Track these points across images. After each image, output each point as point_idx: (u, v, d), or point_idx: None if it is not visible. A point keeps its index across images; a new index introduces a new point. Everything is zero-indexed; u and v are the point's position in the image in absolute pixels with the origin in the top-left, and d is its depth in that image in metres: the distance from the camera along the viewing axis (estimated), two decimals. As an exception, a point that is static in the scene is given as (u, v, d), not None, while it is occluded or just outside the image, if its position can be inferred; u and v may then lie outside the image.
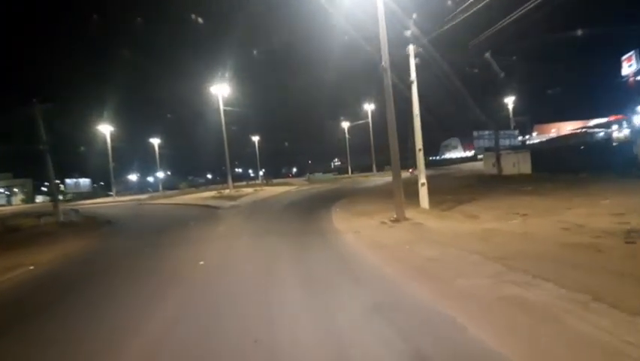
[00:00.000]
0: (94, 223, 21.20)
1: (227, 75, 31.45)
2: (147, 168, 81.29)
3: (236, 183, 55.68)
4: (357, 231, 10.64)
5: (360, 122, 50.32)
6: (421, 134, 13.64)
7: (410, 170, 57.62)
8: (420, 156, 13.78)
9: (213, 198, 27.93)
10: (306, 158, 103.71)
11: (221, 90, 32.33)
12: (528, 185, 19.42)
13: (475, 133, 35.03)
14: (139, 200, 43.81)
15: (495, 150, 28.98)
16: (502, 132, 35.48)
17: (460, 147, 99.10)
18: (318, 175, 50.77)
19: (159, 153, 71.25)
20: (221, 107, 32.45)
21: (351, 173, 60.09)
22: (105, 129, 50.88)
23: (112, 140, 53.90)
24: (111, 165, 51.78)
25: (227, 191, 32.74)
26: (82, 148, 64.71)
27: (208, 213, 19.99)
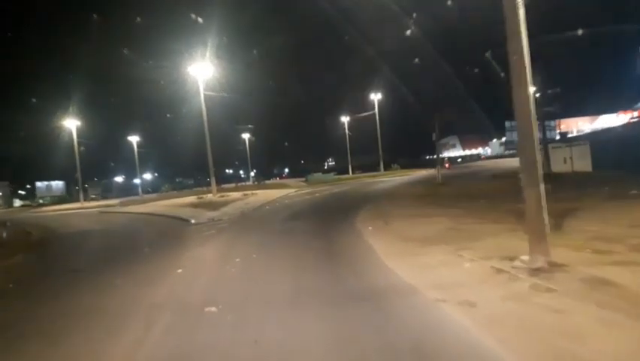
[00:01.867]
0: (21, 244, 15.16)
1: (208, 54, 25.31)
2: (134, 170, 76.12)
3: (224, 186, 49.41)
4: (464, 298, 4.74)
5: (365, 114, 44.45)
6: (533, 109, 7.77)
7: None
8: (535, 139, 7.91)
9: (191, 205, 21.83)
10: (298, 158, 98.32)
11: (201, 71, 26.21)
12: (622, 187, 13.75)
13: (507, 124, 29.47)
14: (108, 206, 37.57)
15: (542, 143, 23.32)
16: (538, 122, 30.02)
17: (458, 146, 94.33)
18: (318, 175, 44.78)
19: (146, 153, 65.59)
20: (202, 92, 26.34)
21: (352, 173, 54.37)
22: (71, 124, 44.45)
23: (96, 139, 48.07)
24: (78, 165, 45.35)
25: (209, 196, 26.61)
26: (82, 148, 59.50)
27: (175, 231, 13.93)
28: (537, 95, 42.31)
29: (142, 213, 22.47)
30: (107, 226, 19.33)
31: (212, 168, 26.57)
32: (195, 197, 27.10)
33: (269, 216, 15.80)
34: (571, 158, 22.96)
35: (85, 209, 38.61)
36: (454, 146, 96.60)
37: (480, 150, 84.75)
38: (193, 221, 15.65)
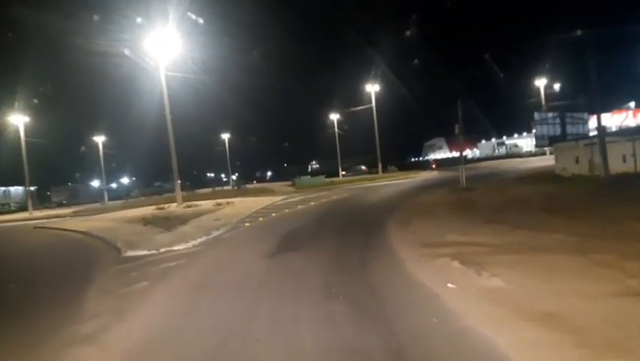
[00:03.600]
0: None
1: (171, 20, 19.42)
2: (112, 173, 69.99)
3: (199, 191, 43.39)
4: None
5: (360, 107, 39.11)
6: None
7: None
8: None
9: (142, 220, 15.96)
10: (282, 160, 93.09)
11: (162, 45, 20.37)
12: None
13: (536, 116, 24.69)
14: (57, 216, 31.35)
15: (599, 137, 18.48)
16: (569, 115, 25.41)
17: (445, 148, 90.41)
18: (307, 179, 39.12)
19: (123, 155, 60.04)
20: (163, 73, 20.53)
21: (342, 175, 49.07)
22: (18, 120, 37.75)
23: (68, 140, 41.83)
24: (26, 169, 38.60)
25: (172, 206, 20.80)
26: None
27: (85, 275, 8.10)
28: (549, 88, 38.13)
29: (76, 232, 16.45)
30: (8, 254, 13.34)
31: (177, 171, 20.71)
32: (154, 207, 21.19)
33: (247, 246, 10.17)
34: (633, 155, 18.16)
35: (30, 220, 32.03)
36: (440, 147, 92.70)
37: (468, 152, 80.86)
38: (127, 253, 9.92)
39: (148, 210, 20.65)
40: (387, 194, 20.70)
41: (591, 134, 24.76)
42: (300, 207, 17.81)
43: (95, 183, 74.38)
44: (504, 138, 73.08)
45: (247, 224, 13.50)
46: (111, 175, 71.48)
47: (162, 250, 9.73)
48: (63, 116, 56.71)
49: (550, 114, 24.49)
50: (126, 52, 20.35)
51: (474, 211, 12.36)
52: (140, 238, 11.70)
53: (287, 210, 16.64)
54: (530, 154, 51.95)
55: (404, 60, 56.38)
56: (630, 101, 45.26)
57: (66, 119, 57.88)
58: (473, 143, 79.71)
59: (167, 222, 14.22)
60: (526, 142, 69.45)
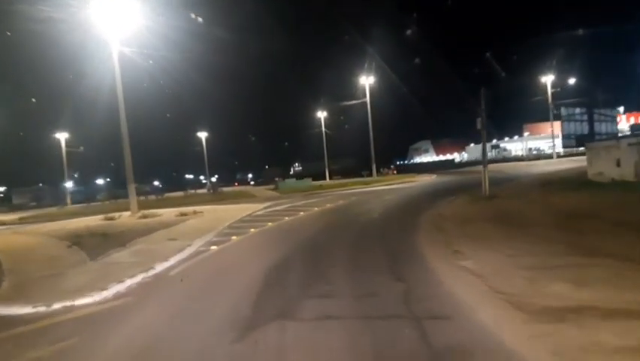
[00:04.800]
0: None
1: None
2: (88, 173, 65.27)
3: (170, 195, 38.94)
4: None
5: (353, 102, 35.41)
6: None
7: (394, 171, 45.40)
8: None
9: (74, 236, 11.70)
10: (263, 162, 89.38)
11: (115, 15, 16.14)
12: None
13: (563, 111, 21.48)
14: (1, 223, 26.73)
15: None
16: (596, 112, 22.28)
17: (431, 151, 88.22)
18: (291, 182, 35.12)
19: (98, 154, 55.72)
20: (115, 49, 16.31)
21: (330, 178, 45.35)
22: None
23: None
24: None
25: (125, 215, 16.56)
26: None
27: None
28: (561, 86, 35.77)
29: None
30: None
31: (130, 170, 16.41)
32: (103, 216, 16.85)
33: (204, 299, 6.15)
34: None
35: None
36: (426, 151, 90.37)
37: (455, 156, 78.54)
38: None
39: (94, 220, 16.36)
40: (394, 202, 16.96)
41: (620, 134, 21.82)
42: (287, 218, 13.86)
43: (69, 184, 68.83)
44: (494, 141, 71.06)
45: (213, 247, 9.46)
46: (87, 175, 66.67)
47: (56, 305, 5.64)
48: (25, 112, 51.42)
49: (577, 110, 21.30)
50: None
51: (533, 231, 8.71)
52: (45, 273, 7.55)
53: (270, 224, 12.66)
54: (526, 158, 49.74)
55: (397, 59, 53.52)
56: (623, 102, 43.99)
57: (29, 115, 52.50)
58: (461, 146, 77.43)
59: (102, 243, 10.07)
60: (515, 146, 67.98)
